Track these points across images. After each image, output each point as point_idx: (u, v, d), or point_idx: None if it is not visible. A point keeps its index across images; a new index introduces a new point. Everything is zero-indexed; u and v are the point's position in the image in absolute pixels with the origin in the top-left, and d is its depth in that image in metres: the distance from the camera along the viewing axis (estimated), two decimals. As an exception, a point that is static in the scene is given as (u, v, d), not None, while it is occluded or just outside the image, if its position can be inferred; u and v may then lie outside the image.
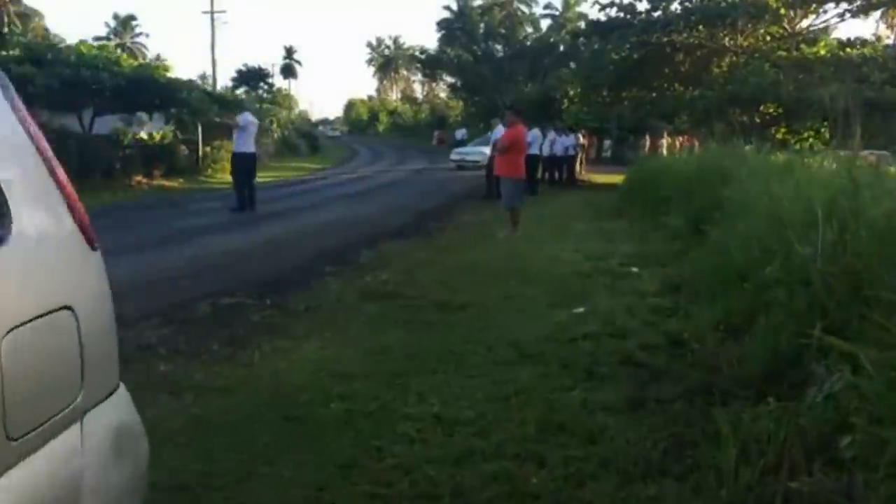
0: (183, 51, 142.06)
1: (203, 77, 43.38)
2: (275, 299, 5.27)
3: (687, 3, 19.03)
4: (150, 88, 16.65)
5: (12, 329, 1.06)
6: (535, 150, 15.45)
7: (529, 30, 51.82)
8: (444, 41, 51.38)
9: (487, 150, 17.11)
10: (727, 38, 19.31)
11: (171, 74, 18.65)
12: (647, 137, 27.17)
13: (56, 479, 1.17)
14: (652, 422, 2.93)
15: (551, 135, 18.60)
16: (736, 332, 3.80)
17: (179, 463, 2.58)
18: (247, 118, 11.71)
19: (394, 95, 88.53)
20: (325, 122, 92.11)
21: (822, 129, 16.31)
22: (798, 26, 19.35)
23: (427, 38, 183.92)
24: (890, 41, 21.01)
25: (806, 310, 3.20)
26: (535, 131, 16.27)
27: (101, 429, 1.29)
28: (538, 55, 44.48)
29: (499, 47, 49.03)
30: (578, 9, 47.39)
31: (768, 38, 19.59)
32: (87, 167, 15.42)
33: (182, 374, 3.57)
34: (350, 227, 9.92)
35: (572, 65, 32.23)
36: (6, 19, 34.44)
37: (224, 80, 49.36)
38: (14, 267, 1.12)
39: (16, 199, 1.16)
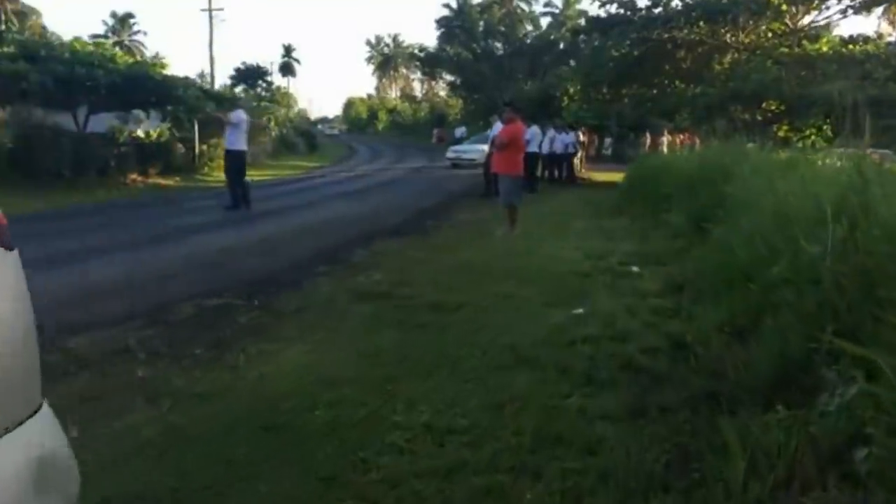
0: (181, 49, 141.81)
1: (202, 75, 43.35)
2: (263, 300, 5.11)
3: (688, 0, 18.84)
4: (145, 86, 16.50)
5: None
6: (534, 148, 15.31)
7: (529, 27, 51.66)
8: (443, 39, 51.29)
9: (484, 148, 16.96)
10: (728, 35, 19.12)
11: (167, 72, 18.51)
12: (648, 135, 26.98)
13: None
14: (654, 431, 2.77)
15: (551, 132, 18.45)
16: (741, 334, 3.65)
17: (150, 476, 2.43)
18: (239, 115, 11.54)
19: (393, 94, 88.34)
20: (324, 120, 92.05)
21: (825, 127, 16.16)
22: (800, 23, 19.16)
23: (426, 36, 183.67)
24: (892, 38, 20.87)
25: (815, 311, 3.06)
26: (534, 129, 16.10)
27: (19, 457, 1.11)
28: (538, 53, 44.38)
29: (498, 45, 48.91)
30: (579, 6, 47.23)
31: (770, 34, 19.41)
32: (81, 165, 15.32)
33: (161, 378, 3.40)
34: (346, 226, 9.77)
35: (572, 62, 32.06)
36: (3, 17, 34.30)
37: (223, 79, 49.28)
38: None
39: None
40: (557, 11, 51.06)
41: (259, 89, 49.11)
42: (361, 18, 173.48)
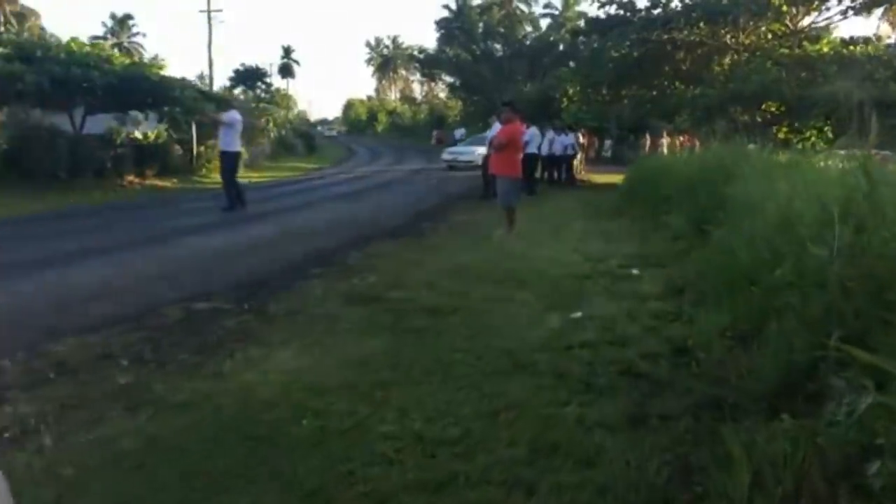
0: (180, 50, 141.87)
1: (201, 77, 43.27)
2: (254, 303, 4.99)
3: (687, 1, 18.74)
4: (142, 87, 16.39)
5: None
6: (533, 150, 15.19)
7: (529, 29, 51.62)
8: (442, 41, 51.24)
9: (481, 150, 16.84)
10: (728, 36, 19.02)
11: (165, 73, 18.40)
12: (648, 136, 26.85)
13: None
14: (654, 441, 2.65)
15: (550, 134, 18.33)
16: (744, 339, 3.53)
17: (125, 490, 2.31)
18: (233, 116, 11.42)
19: (393, 95, 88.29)
20: (323, 122, 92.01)
21: (825, 128, 16.05)
22: (800, 24, 19.06)
23: (426, 38, 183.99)
24: (892, 40, 20.76)
25: (821, 316, 2.95)
26: (533, 130, 15.98)
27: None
28: (537, 54, 44.32)
29: (498, 46, 48.84)
30: (578, 8, 47.16)
31: (770, 35, 19.30)
32: (78, 166, 15.22)
33: (143, 386, 3.28)
34: (342, 228, 9.67)
35: (572, 64, 31.91)
36: (2, 18, 34.21)
37: (222, 80, 49.23)
38: None
39: None
40: (557, 13, 51.07)
41: (258, 91, 49.02)
42: (361, 20, 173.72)
